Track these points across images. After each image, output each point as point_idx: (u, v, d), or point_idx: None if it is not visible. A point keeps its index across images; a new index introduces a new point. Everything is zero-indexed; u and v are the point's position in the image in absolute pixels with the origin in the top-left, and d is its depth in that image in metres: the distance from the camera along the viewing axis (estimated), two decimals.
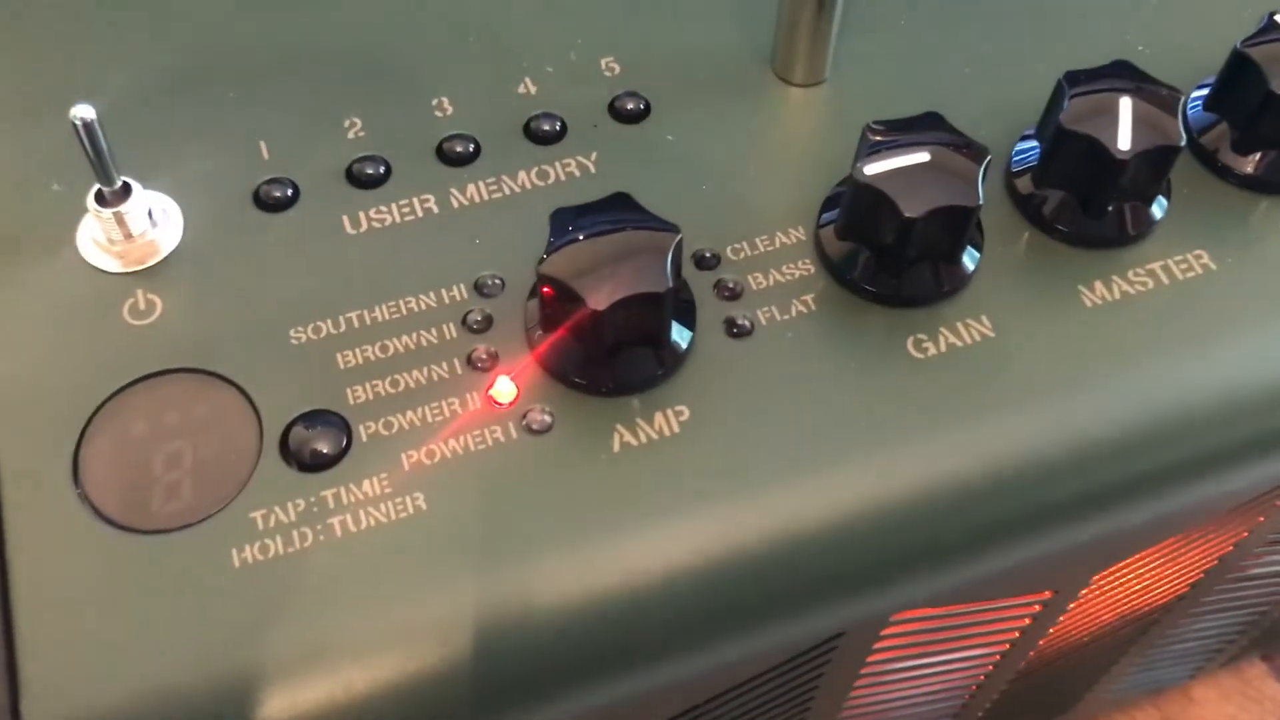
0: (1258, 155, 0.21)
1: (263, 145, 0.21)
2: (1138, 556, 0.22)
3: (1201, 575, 0.25)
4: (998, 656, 0.24)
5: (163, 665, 0.17)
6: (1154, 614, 0.26)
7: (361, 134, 0.21)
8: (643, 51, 0.22)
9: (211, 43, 0.22)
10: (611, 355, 0.18)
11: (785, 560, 0.18)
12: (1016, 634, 0.23)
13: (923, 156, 0.19)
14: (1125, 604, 0.25)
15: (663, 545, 0.17)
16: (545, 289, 0.18)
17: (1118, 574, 0.22)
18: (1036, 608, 0.22)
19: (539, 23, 0.23)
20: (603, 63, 0.22)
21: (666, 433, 0.18)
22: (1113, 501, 0.19)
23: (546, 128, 0.21)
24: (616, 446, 0.18)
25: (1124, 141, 0.19)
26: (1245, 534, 0.23)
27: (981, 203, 0.18)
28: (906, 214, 0.18)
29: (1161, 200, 0.20)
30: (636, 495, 0.18)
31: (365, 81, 0.22)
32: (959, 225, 0.18)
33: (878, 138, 0.19)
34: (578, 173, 0.21)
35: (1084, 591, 0.22)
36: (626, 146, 0.21)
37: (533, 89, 0.22)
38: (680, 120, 0.22)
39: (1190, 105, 0.22)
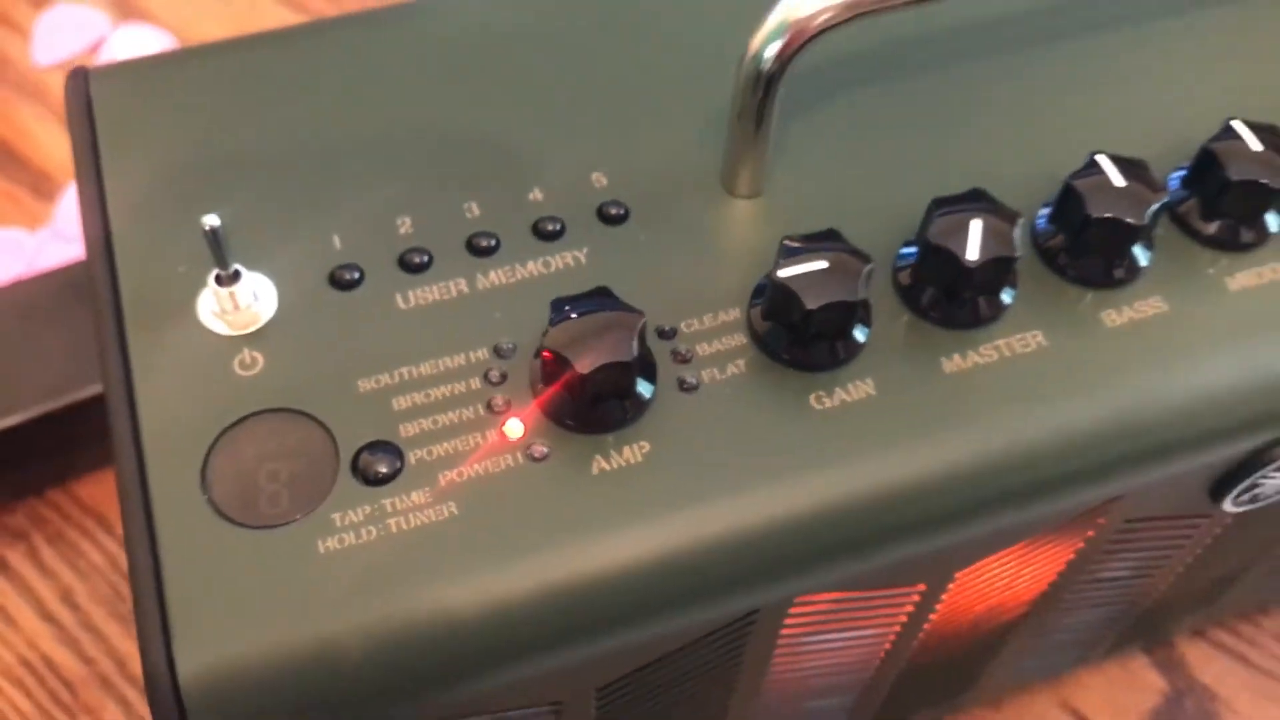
0: (1085, 259, 0.28)
1: (335, 238, 0.28)
2: (993, 558, 0.29)
3: (1056, 577, 0.32)
4: (893, 635, 0.31)
5: (268, 625, 0.23)
6: (1023, 608, 0.33)
7: (410, 230, 0.28)
8: (626, 168, 0.29)
9: (301, 158, 0.29)
10: (592, 405, 0.25)
11: (715, 556, 0.25)
12: (904, 618, 0.30)
13: (822, 263, 0.25)
14: (993, 598, 0.31)
15: (626, 545, 0.24)
16: (545, 355, 0.25)
17: (978, 572, 0.29)
18: (916, 597, 0.29)
19: (550, 143, 0.29)
20: (593, 176, 0.29)
21: (632, 462, 0.25)
22: (960, 518, 0.26)
23: (550, 228, 0.28)
24: (595, 471, 0.25)
25: (973, 252, 0.26)
26: (1082, 544, 0.30)
27: (863, 297, 0.25)
28: (808, 306, 0.25)
29: (1011, 290, 0.27)
30: (607, 508, 0.24)
31: (412, 190, 0.29)
32: (846, 313, 0.25)
33: (791, 245, 0.26)
34: (572, 264, 0.28)
35: (951, 585, 0.29)
36: (610, 244, 0.28)
37: (540, 196, 0.29)
38: (651, 223, 0.28)
39: (1040, 217, 0.28)
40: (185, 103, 0.30)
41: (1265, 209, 0.28)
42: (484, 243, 0.28)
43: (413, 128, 0.30)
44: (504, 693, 0.25)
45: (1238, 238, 0.28)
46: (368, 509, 0.24)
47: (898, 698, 0.37)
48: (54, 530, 0.46)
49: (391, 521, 0.24)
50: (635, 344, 0.24)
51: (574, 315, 0.25)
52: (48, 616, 0.44)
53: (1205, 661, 0.44)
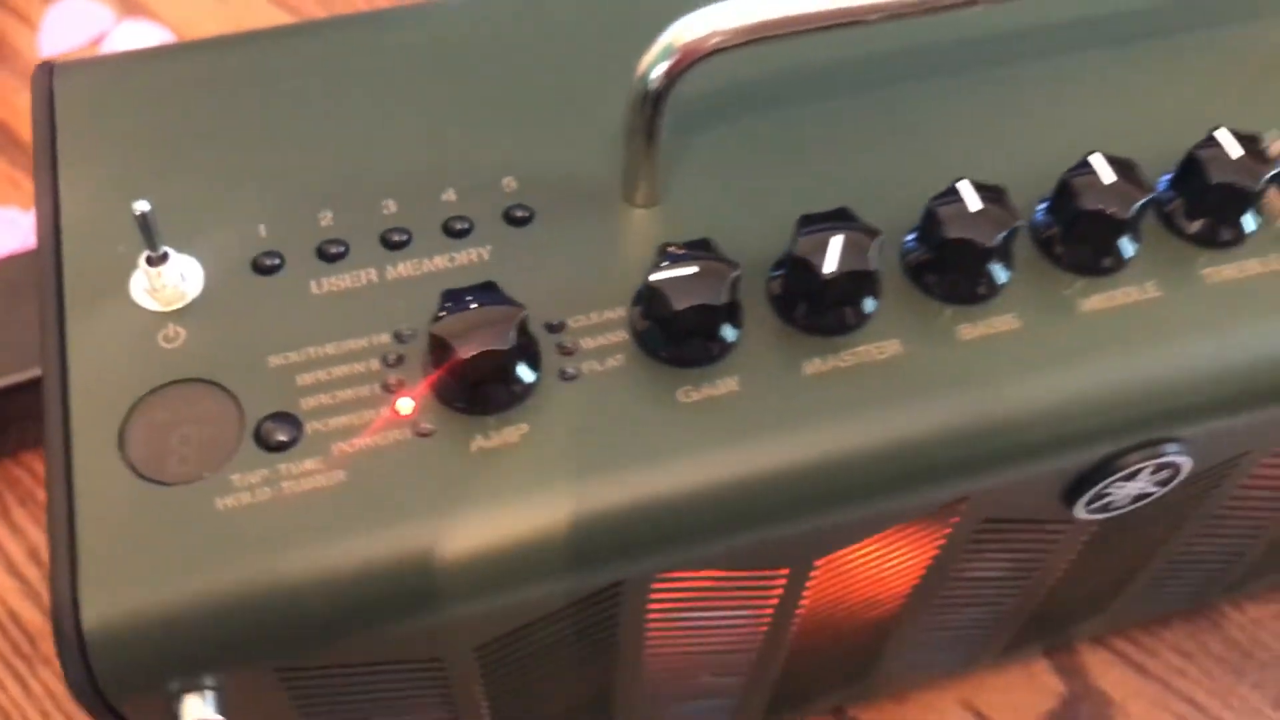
0: (946, 275, 0.30)
1: (261, 227, 0.30)
2: (853, 549, 0.31)
3: (925, 572, 0.34)
4: (767, 619, 0.34)
5: (166, 574, 0.26)
6: (899, 601, 0.35)
7: (331, 223, 0.31)
8: (535, 175, 0.32)
9: (239, 153, 0.32)
10: (474, 388, 0.27)
11: (578, 531, 0.27)
12: (775, 601, 0.33)
13: (693, 269, 0.28)
14: (864, 589, 0.34)
15: (494, 517, 0.27)
16: (434, 340, 0.27)
17: (839, 562, 0.31)
18: (781, 581, 0.31)
19: (467, 149, 0.32)
20: (504, 181, 0.32)
21: (510, 442, 0.28)
22: (808, 509, 0.28)
23: (459, 226, 0.31)
24: (474, 449, 0.27)
25: (830, 265, 0.28)
26: (943, 541, 0.32)
27: (727, 301, 0.28)
28: (675, 306, 0.27)
29: (873, 300, 0.30)
30: (481, 482, 0.27)
31: (337, 186, 0.31)
32: (711, 314, 0.28)
33: (668, 251, 0.28)
34: (476, 260, 0.30)
35: (814, 573, 0.31)
36: (513, 243, 0.31)
37: (453, 197, 0.31)
38: (553, 227, 0.31)
39: (908, 237, 0.31)
40: (140, 100, 0.33)
41: (1117, 236, 0.30)
42: (396, 237, 0.30)
43: (343, 130, 0.32)
44: (381, 646, 0.28)
45: (1096, 262, 0.31)
46: (264, 473, 0.27)
47: (793, 684, 0.39)
48: (25, 491, 0.49)
49: (285, 485, 0.27)
50: (513, 334, 0.27)
51: (460, 306, 0.27)
52: (15, 573, 0.47)
53: (1104, 668, 0.46)
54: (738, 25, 0.28)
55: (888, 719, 0.45)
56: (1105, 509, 0.32)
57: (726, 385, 0.29)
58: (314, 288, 0.30)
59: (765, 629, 0.34)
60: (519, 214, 0.31)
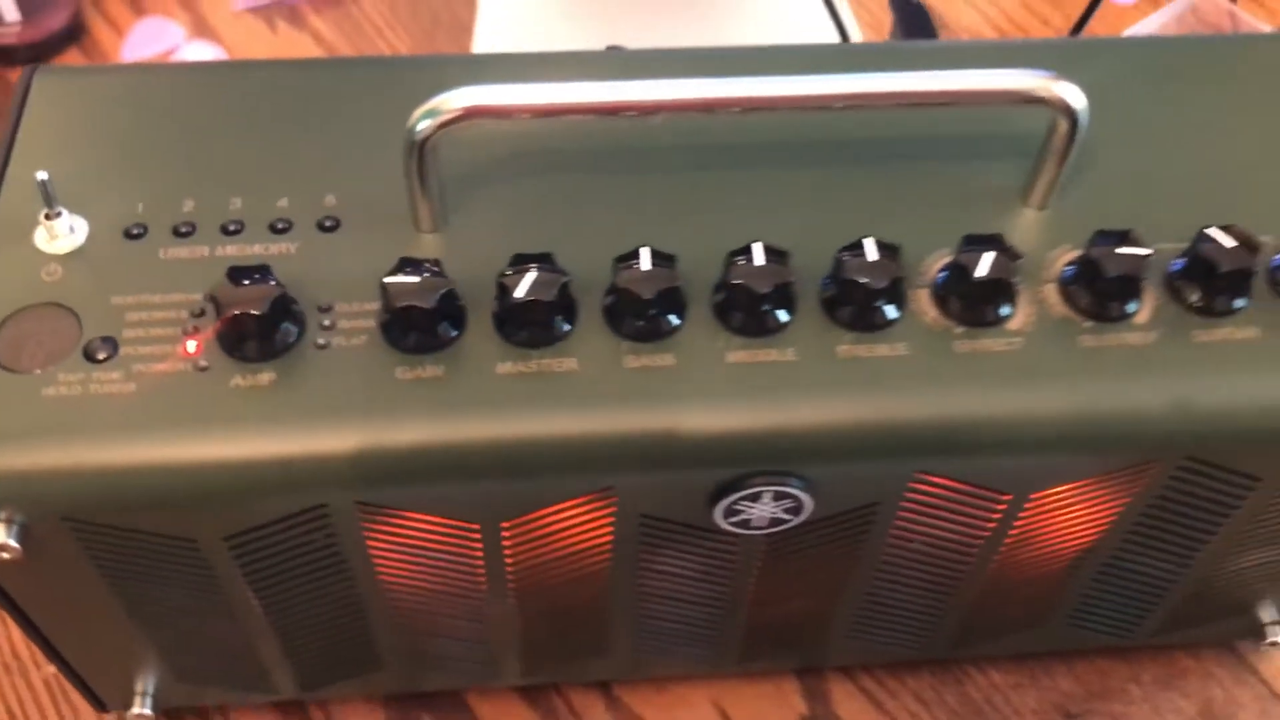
0: (625, 316, 0.38)
1: (140, 205, 0.41)
2: (531, 516, 0.39)
3: (610, 556, 0.42)
4: (481, 570, 0.42)
5: (11, 435, 0.36)
6: (602, 580, 0.43)
7: (190, 209, 0.41)
8: (353, 197, 0.41)
9: (148, 151, 0.43)
10: (240, 340, 0.37)
11: (285, 459, 0.36)
12: (480, 552, 0.41)
13: (416, 278, 0.37)
14: (566, 561, 0.42)
15: (234, 438, 0.36)
16: (213, 300, 0.37)
17: (526, 526, 0.40)
18: (477, 535, 0.40)
19: (307, 169, 0.42)
20: (327, 198, 0.41)
21: (261, 384, 0.37)
22: (471, 474, 0.37)
23: (280, 225, 0.41)
24: (232, 384, 0.37)
25: (519, 292, 0.37)
26: (610, 526, 0.40)
27: (434, 306, 0.37)
28: (395, 304, 0.37)
29: (567, 324, 0.38)
30: (231, 410, 0.37)
31: (204, 184, 0.42)
32: (427, 314, 0.37)
33: (406, 260, 0.38)
34: (286, 252, 0.40)
35: (505, 534, 0.40)
36: (318, 245, 0.40)
37: (284, 203, 0.41)
38: (353, 237, 0.40)
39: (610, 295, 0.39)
40: (88, 105, 0.44)
41: (773, 307, 0.38)
42: (233, 227, 0.41)
43: (223, 147, 0.43)
44: (149, 522, 0.38)
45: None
46: (82, 376, 0.37)
47: (537, 646, 0.48)
48: None
49: (92, 386, 0.37)
50: (268, 304, 0.37)
51: (238, 278, 0.37)
52: None
53: (846, 698, 0.53)
54: (482, 103, 0.38)
55: (646, 703, 0.53)
56: (745, 525, 0.40)
57: (433, 371, 0.38)
58: (162, 254, 0.40)
59: (484, 581, 0.43)
60: (328, 223, 0.41)
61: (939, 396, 0.38)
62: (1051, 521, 0.43)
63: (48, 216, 0.40)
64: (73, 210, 0.40)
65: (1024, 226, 0.42)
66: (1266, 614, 0.51)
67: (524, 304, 0.37)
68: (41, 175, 0.39)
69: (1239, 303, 0.40)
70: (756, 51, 0.47)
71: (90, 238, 0.40)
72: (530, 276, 0.37)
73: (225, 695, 0.51)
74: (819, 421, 0.38)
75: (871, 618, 0.48)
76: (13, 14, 0.71)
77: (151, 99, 0.44)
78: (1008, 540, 0.43)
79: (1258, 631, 0.52)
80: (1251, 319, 0.40)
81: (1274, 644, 0.52)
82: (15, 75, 0.71)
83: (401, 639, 0.47)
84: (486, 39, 0.73)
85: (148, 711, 0.49)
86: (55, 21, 0.73)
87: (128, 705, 0.49)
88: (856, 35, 0.65)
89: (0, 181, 0.42)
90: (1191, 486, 0.41)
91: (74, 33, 0.74)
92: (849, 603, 0.47)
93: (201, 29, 0.76)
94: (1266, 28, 0.73)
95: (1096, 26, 0.79)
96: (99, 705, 0.50)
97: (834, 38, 0.62)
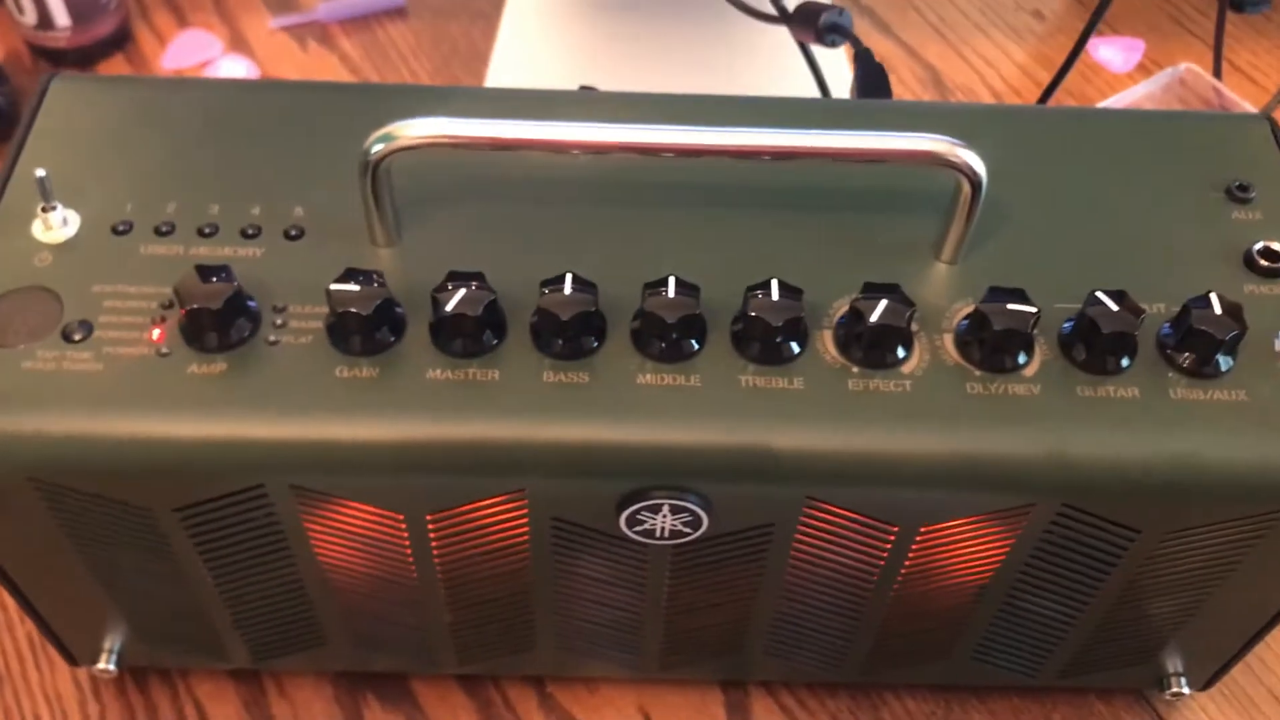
0: (555, 336, 0.42)
1: (129, 205, 0.45)
2: (453, 510, 0.43)
3: (527, 554, 0.46)
4: (409, 559, 0.46)
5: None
6: (520, 577, 0.47)
7: (172, 211, 0.45)
8: (320, 210, 0.46)
9: (145, 158, 0.47)
10: (199, 332, 0.41)
11: (220, 442, 0.40)
12: (406, 542, 0.45)
13: (355, 287, 0.41)
14: (488, 557, 0.46)
15: (181, 420, 0.40)
16: (175, 293, 0.41)
17: (452, 521, 0.44)
18: (402, 525, 0.44)
19: (283, 183, 0.46)
20: (296, 209, 0.46)
21: (213, 373, 0.41)
22: (390, 475, 0.41)
23: (250, 231, 0.45)
24: (189, 371, 0.41)
25: (449, 306, 0.41)
26: (524, 526, 0.44)
27: (370, 314, 0.41)
28: (336, 309, 0.41)
29: (496, 338, 0.42)
30: (184, 393, 0.41)
31: (188, 189, 0.46)
32: (365, 321, 0.41)
33: (350, 271, 0.42)
34: (252, 255, 0.44)
35: (430, 526, 0.44)
36: (282, 251, 0.45)
37: (256, 211, 0.45)
38: (313, 245, 0.45)
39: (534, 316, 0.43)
40: (97, 111, 0.49)
41: (681, 336, 0.42)
42: (207, 230, 0.45)
43: (210, 157, 0.47)
44: (107, 488, 0.42)
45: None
46: (57, 354, 0.41)
47: (466, 633, 0.51)
48: None
49: (65, 364, 0.41)
50: (223, 301, 0.41)
51: (201, 276, 0.41)
52: None
53: (766, 713, 0.56)
54: (430, 133, 0.42)
55: (577, 701, 0.56)
56: (649, 534, 0.43)
57: (369, 373, 0.42)
58: (142, 250, 0.44)
59: (414, 570, 0.47)
60: (294, 232, 0.45)
61: (827, 429, 0.41)
62: (945, 556, 0.46)
63: (44, 209, 0.44)
64: (68, 205, 0.45)
65: (932, 279, 0.45)
66: (1170, 664, 0.54)
67: (453, 317, 0.41)
68: (40, 172, 0.43)
69: (1124, 362, 0.43)
70: (709, 100, 0.50)
71: (81, 230, 0.45)
72: (461, 293, 0.41)
73: (185, 659, 0.55)
74: (714, 443, 0.41)
75: (785, 636, 0.51)
76: (64, 19, 0.76)
77: (152, 110, 0.49)
78: (904, 570, 0.46)
79: (1162, 681, 0.54)
80: (1134, 379, 0.43)
81: (1176, 694, 0.54)
82: None
83: (344, 620, 0.51)
84: (500, 70, 0.77)
85: (112, 668, 0.53)
86: (103, 28, 0.78)
87: (96, 661, 0.53)
88: (838, 86, 0.68)
89: (10, 175, 0.46)
90: (1072, 532, 0.44)
91: (120, 40, 0.80)
92: (760, 619, 0.50)
93: (238, 43, 0.81)
94: (1249, 106, 0.75)
95: (1090, 92, 0.82)
96: (70, 659, 0.54)
97: (814, 88, 0.66)
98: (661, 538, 0.44)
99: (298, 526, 0.44)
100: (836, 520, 0.44)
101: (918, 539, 0.45)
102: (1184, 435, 0.42)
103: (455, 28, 0.84)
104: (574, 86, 0.58)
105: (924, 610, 0.49)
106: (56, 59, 0.79)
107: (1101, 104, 0.74)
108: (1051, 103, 0.79)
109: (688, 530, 0.43)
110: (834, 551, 0.45)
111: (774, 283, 0.42)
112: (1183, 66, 0.76)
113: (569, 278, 0.42)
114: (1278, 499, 0.42)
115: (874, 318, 0.41)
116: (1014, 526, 0.44)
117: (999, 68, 0.82)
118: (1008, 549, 0.45)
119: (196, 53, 0.80)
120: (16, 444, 0.41)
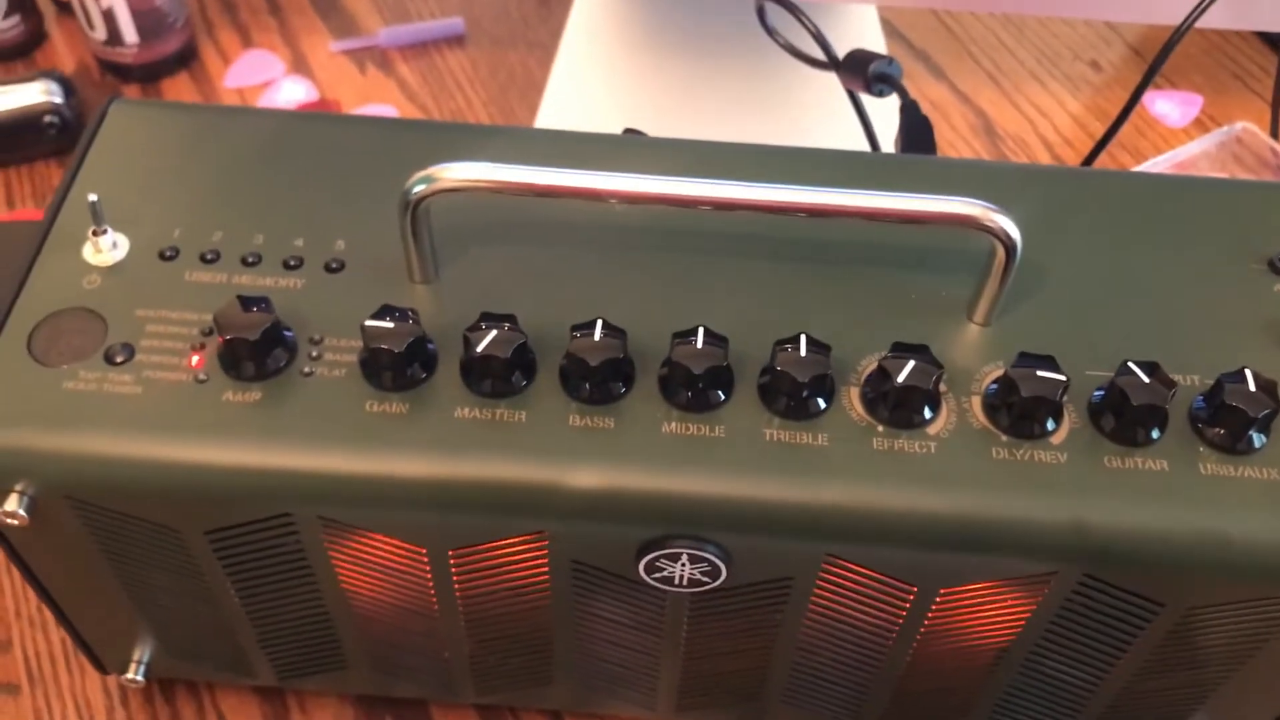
0: (583, 381, 0.43)
1: (177, 231, 0.47)
2: (482, 550, 0.44)
3: (549, 593, 0.46)
4: (430, 591, 0.46)
5: (19, 412, 0.42)
6: (542, 614, 0.47)
7: (218, 240, 0.46)
8: (361, 245, 0.47)
9: (197, 185, 0.48)
10: (237, 361, 0.42)
11: (253, 470, 0.41)
12: (429, 576, 0.45)
13: (390, 323, 0.42)
14: (509, 595, 0.46)
15: (217, 446, 0.41)
16: (215, 322, 0.42)
17: (473, 559, 0.44)
18: (424, 558, 0.44)
19: (327, 217, 0.47)
20: (338, 243, 0.47)
21: (249, 401, 0.42)
22: (415, 505, 0.41)
23: (292, 262, 0.46)
24: (224, 398, 0.42)
25: (479, 347, 0.41)
26: (544, 567, 0.44)
27: (402, 351, 0.41)
28: (370, 345, 0.41)
29: (524, 381, 0.43)
30: (221, 420, 0.42)
31: (233, 218, 0.47)
32: (397, 359, 0.41)
33: (387, 308, 0.42)
34: (293, 286, 0.45)
35: (453, 561, 0.44)
36: (322, 283, 0.45)
37: (300, 243, 0.46)
38: (352, 280, 0.45)
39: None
40: (152, 136, 0.50)
41: (708, 387, 0.42)
42: (251, 259, 0.46)
43: (259, 188, 0.48)
44: (140, 509, 0.43)
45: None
46: (99, 375, 0.43)
47: (487, 664, 0.52)
48: None
49: (105, 386, 0.42)
50: (260, 332, 0.42)
51: (242, 306, 0.42)
52: None
53: None
54: (469, 177, 0.42)
55: None
56: (668, 581, 0.44)
57: (399, 408, 0.42)
58: (187, 276, 0.45)
59: (435, 602, 0.47)
60: (334, 265, 0.46)
61: (849, 486, 0.41)
62: (964, 618, 0.46)
63: (95, 233, 0.46)
64: (118, 228, 0.46)
65: (964, 340, 0.45)
66: None
67: (483, 357, 0.42)
68: (92, 197, 0.45)
69: (1154, 434, 0.42)
70: (750, 150, 0.51)
71: (129, 255, 0.46)
72: (492, 334, 0.42)
73: (211, 674, 0.56)
74: (735, 495, 0.41)
75: (802, 687, 0.51)
76: (132, 36, 0.78)
77: (206, 137, 0.50)
78: (923, 630, 0.46)
79: None
80: (1163, 452, 0.42)
81: None
82: (130, 91, 0.78)
83: (366, 645, 0.51)
84: (552, 103, 0.78)
85: (140, 679, 0.54)
86: (169, 46, 0.80)
87: (125, 671, 0.54)
88: (886, 132, 0.68)
89: (65, 197, 0.48)
90: (1094, 602, 0.44)
91: (185, 58, 0.82)
92: (778, 668, 0.50)
93: (299, 65, 0.83)
94: None
95: (1143, 146, 0.81)
96: (100, 668, 0.55)
97: (861, 134, 0.66)
98: (680, 585, 0.44)
99: (322, 555, 0.45)
100: (855, 578, 0.44)
101: (937, 600, 0.44)
102: (1212, 511, 0.41)
103: (513, 57, 0.85)
104: (626, 122, 0.58)
105: (942, 670, 0.49)
106: (124, 74, 0.81)
107: (1155, 159, 0.73)
108: (1104, 156, 0.78)
109: (706, 579, 0.43)
110: (852, 608, 0.45)
111: (803, 338, 0.42)
112: (1239, 125, 0.75)
113: (599, 323, 0.42)
114: None
115: (901, 378, 0.41)
116: (1035, 593, 0.44)
117: (1052, 118, 0.82)
118: (1028, 615, 0.45)
119: (259, 73, 0.82)
120: (55, 462, 0.42)
